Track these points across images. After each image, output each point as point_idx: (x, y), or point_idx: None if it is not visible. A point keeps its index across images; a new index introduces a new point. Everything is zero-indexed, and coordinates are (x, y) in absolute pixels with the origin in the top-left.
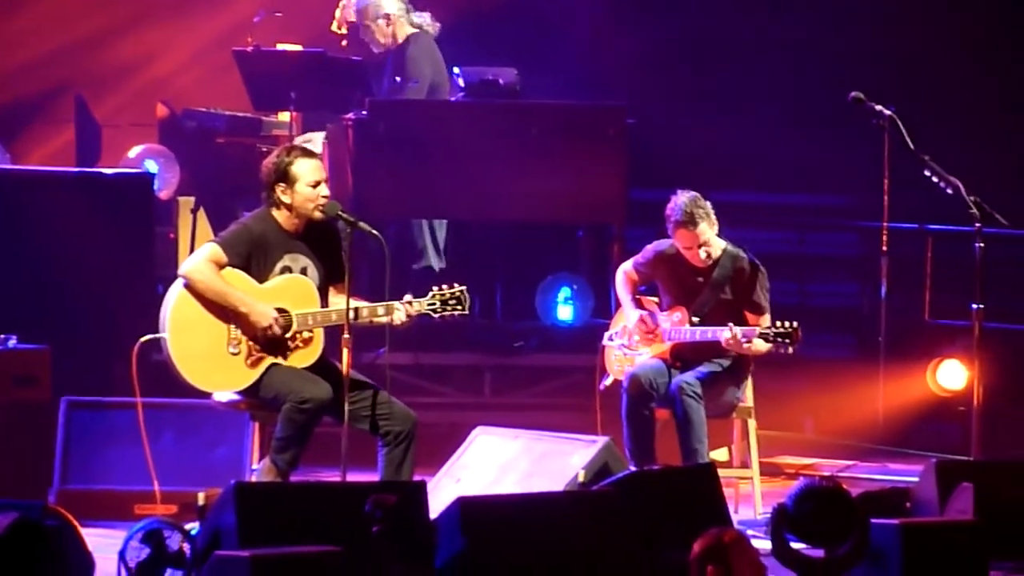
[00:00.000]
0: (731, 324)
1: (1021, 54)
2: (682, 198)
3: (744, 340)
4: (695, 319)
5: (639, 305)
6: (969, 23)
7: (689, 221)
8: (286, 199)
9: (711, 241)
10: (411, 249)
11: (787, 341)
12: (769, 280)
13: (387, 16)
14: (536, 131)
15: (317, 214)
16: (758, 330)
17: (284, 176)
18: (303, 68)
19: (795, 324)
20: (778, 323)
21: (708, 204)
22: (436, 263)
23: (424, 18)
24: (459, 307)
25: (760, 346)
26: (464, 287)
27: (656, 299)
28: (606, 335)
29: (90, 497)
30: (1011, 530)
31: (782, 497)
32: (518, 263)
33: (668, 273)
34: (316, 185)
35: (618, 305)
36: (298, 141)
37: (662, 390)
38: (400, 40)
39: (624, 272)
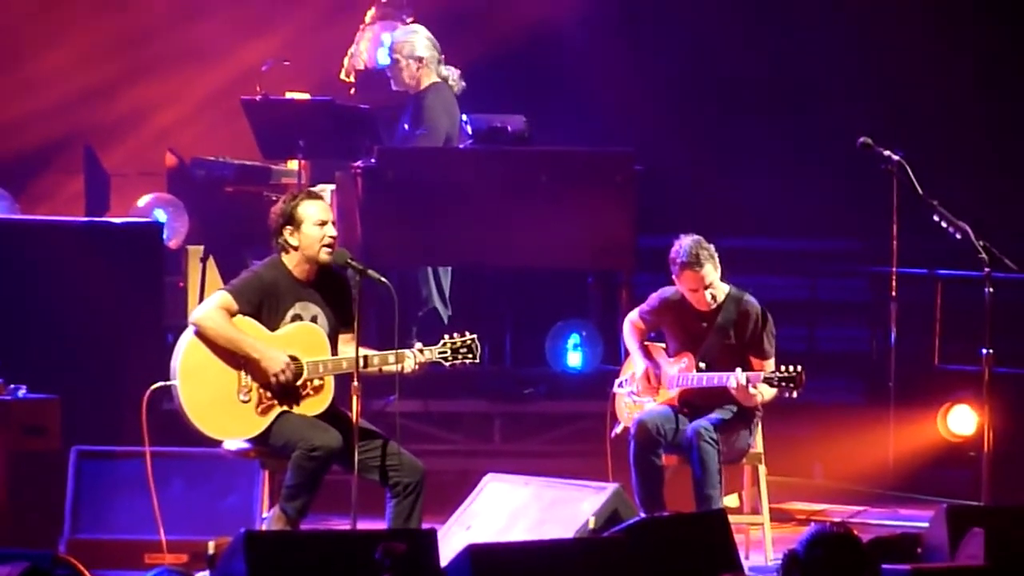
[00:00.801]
0: (739, 369)
1: None
2: (686, 240)
3: (750, 385)
4: (702, 365)
5: (647, 353)
6: (977, 67)
7: (695, 263)
8: (293, 241)
9: (716, 284)
10: (414, 296)
11: (791, 385)
12: (776, 325)
13: (420, 59)
14: (545, 178)
15: (324, 256)
16: (763, 375)
17: (291, 219)
18: (311, 116)
19: (799, 368)
20: (783, 367)
21: (712, 247)
22: (441, 311)
23: (452, 72)
24: (470, 356)
25: (765, 392)
26: (475, 336)
27: (664, 344)
28: (616, 382)
29: (100, 546)
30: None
31: (793, 543)
32: (527, 309)
33: (673, 319)
34: (323, 225)
35: (627, 352)
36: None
37: (670, 436)
38: (423, 86)
39: (631, 322)
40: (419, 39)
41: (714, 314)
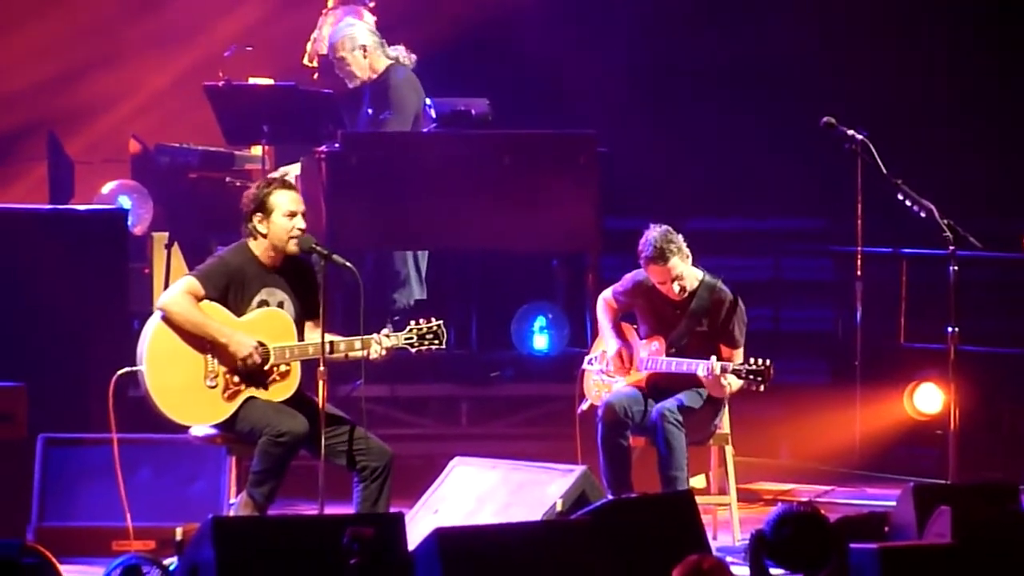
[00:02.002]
0: (713, 357)
1: (993, 78)
2: (653, 233)
3: (719, 375)
4: (673, 350)
5: (619, 333)
6: (944, 45)
7: (659, 256)
8: (262, 229)
9: (684, 274)
10: (392, 279)
11: (759, 379)
12: (746, 310)
13: (363, 47)
14: (508, 161)
15: (292, 247)
16: (732, 366)
17: (262, 206)
18: (275, 102)
19: (768, 362)
20: (751, 360)
21: (680, 238)
22: (418, 293)
23: (399, 50)
24: (436, 341)
25: (734, 382)
26: (441, 321)
27: (636, 325)
28: (585, 359)
29: (68, 534)
30: (988, 553)
31: (760, 523)
32: (493, 293)
33: (646, 304)
34: (292, 216)
35: (595, 333)
36: (274, 175)
37: (637, 418)
38: (379, 71)
39: (604, 300)
40: (357, 30)
41: (687, 300)
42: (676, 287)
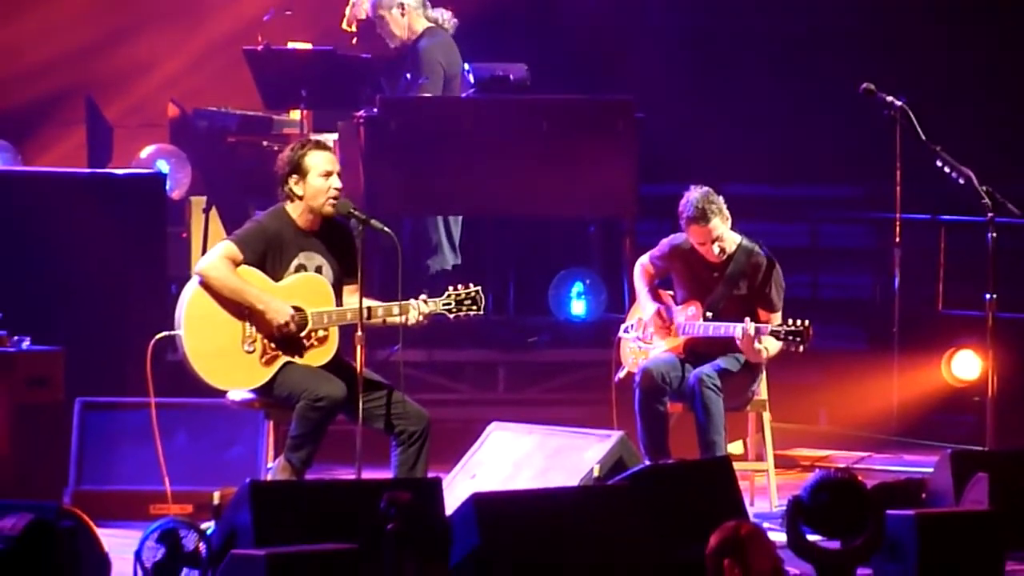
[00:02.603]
0: (748, 319)
1: None
2: (694, 194)
3: (756, 337)
4: (709, 314)
5: (656, 297)
6: (979, 14)
7: (701, 217)
8: (298, 191)
9: (724, 236)
10: (426, 246)
11: (798, 340)
12: (784, 276)
13: (401, 6)
14: (546, 126)
15: (328, 208)
16: (770, 327)
17: (297, 168)
18: (313, 66)
19: (807, 323)
20: (790, 321)
21: (720, 199)
22: (451, 259)
23: (441, 13)
24: (474, 307)
25: (771, 346)
26: (479, 287)
27: (672, 292)
28: (622, 327)
29: (105, 497)
30: None
31: (797, 489)
32: (530, 259)
33: (683, 267)
34: (328, 176)
35: (632, 299)
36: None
37: (675, 384)
38: (416, 33)
39: (641, 265)
40: None
41: (724, 264)
42: (716, 248)
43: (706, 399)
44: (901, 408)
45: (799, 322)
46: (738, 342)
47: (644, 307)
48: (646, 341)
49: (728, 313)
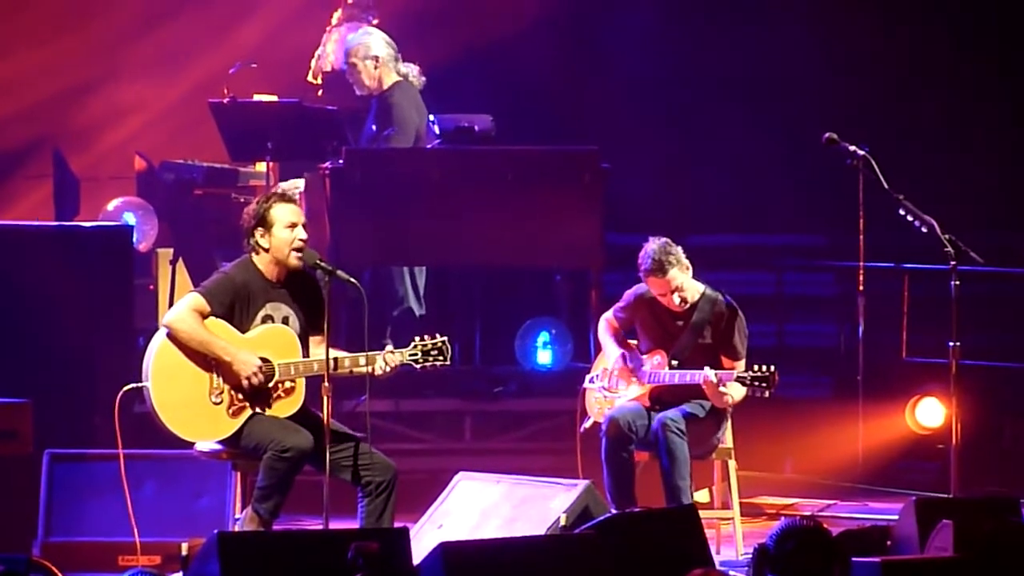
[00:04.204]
0: (707, 367)
1: (989, 91)
2: (652, 245)
3: (721, 384)
4: (675, 362)
5: (620, 343)
6: (937, 61)
7: (659, 269)
8: (264, 243)
9: (684, 286)
10: (390, 296)
11: (764, 385)
12: (747, 325)
13: (376, 58)
14: (512, 176)
15: (293, 260)
16: (735, 374)
17: (263, 220)
18: (279, 118)
19: (772, 368)
20: (755, 367)
21: (679, 249)
22: (416, 309)
23: (411, 69)
24: (440, 358)
25: (736, 392)
26: (446, 338)
27: (636, 342)
28: (587, 378)
29: (74, 549)
30: (990, 567)
31: (763, 537)
32: (496, 308)
33: (648, 316)
34: (293, 227)
35: (598, 349)
36: (285, 186)
37: (641, 433)
38: (385, 86)
39: (606, 320)
40: (373, 39)
41: (689, 313)
42: (676, 299)
43: (670, 443)
44: (866, 455)
45: (764, 367)
46: (704, 389)
47: (609, 356)
48: (611, 390)
49: (693, 361)
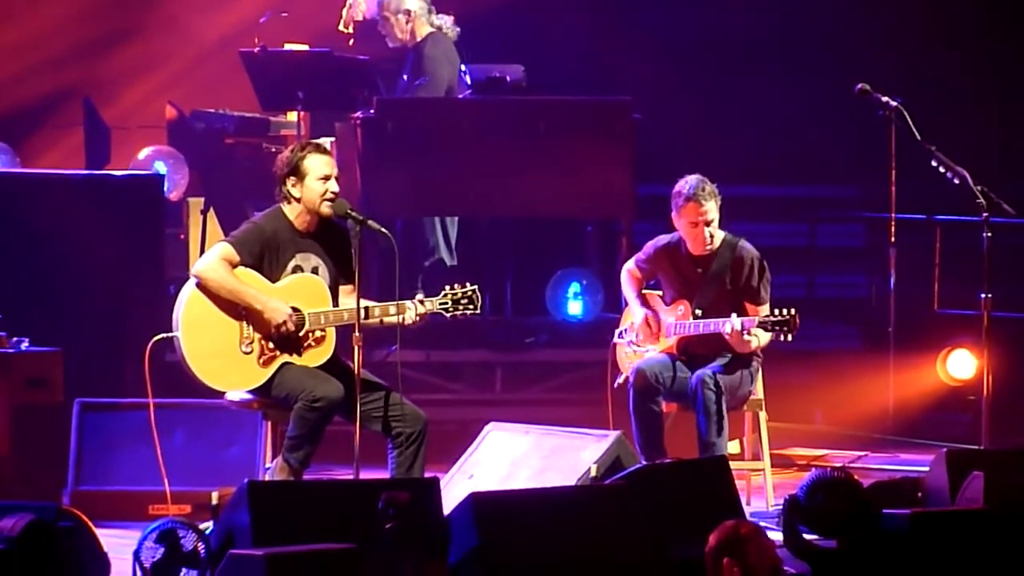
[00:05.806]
0: (734, 314)
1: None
2: (690, 178)
3: (744, 331)
4: (698, 312)
5: (644, 302)
6: (970, 13)
7: (700, 194)
8: (296, 193)
9: (716, 223)
10: (422, 246)
11: (785, 328)
12: (774, 272)
13: (408, 12)
14: (543, 127)
15: (325, 209)
16: (757, 319)
17: (295, 170)
18: (310, 68)
19: (793, 311)
20: (776, 311)
21: (715, 187)
22: (447, 259)
23: (445, 20)
24: (471, 307)
25: (761, 337)
26: (476, 286)
27: (660, 293)
28: (616, 332)
29: (104, 498)
30: (1021, 518)
31: (794, 489)
32: (527, 259)
33: (669, 267)
34: (326, 179)
35: (626, 301)
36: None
37: (668, 384)
38: (419, 38)
39: (628, 271)
40: None
41: (709, 260)
42: (707, 233)
43: (707, 400)
44: (897, 407)
45: (785, 311)
46: (727, 336)
47: (634, 313)
48: (639, 344)
49: (716, 309)
